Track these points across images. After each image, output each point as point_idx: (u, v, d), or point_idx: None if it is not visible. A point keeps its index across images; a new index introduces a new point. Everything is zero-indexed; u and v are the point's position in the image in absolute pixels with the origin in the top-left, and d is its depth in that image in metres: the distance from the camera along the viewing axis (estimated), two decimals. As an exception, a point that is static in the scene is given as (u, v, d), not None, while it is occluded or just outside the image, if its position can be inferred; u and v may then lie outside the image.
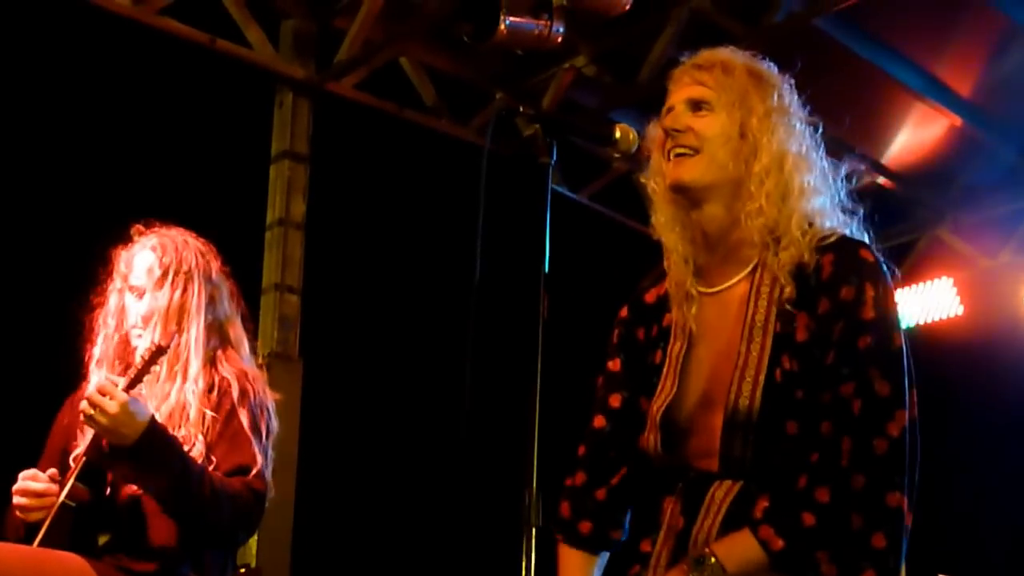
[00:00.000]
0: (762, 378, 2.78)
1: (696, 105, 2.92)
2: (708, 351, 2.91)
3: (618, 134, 2.89)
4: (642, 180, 3.07)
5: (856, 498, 2.66)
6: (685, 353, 2.94)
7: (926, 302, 9.06)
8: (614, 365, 3.12)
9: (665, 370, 2.96)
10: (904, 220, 9.01)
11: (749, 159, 2.88)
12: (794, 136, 2.93)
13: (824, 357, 2.76)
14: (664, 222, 3.01)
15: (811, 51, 6.72)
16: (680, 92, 2.96)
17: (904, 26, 7.31)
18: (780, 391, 2.76)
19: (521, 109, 2.98)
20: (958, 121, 8.02)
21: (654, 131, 3.02)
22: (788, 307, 2.82)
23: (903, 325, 2.84)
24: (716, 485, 2.82)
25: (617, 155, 2.95)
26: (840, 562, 2.65)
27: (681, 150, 2.91)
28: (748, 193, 2.87)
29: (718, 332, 2.91)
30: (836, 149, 3.05)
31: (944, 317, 9.01)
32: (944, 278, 9.11)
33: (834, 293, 2.79)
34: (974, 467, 8.45)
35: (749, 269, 2.91)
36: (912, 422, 2.75)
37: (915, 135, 8.36)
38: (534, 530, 2.54)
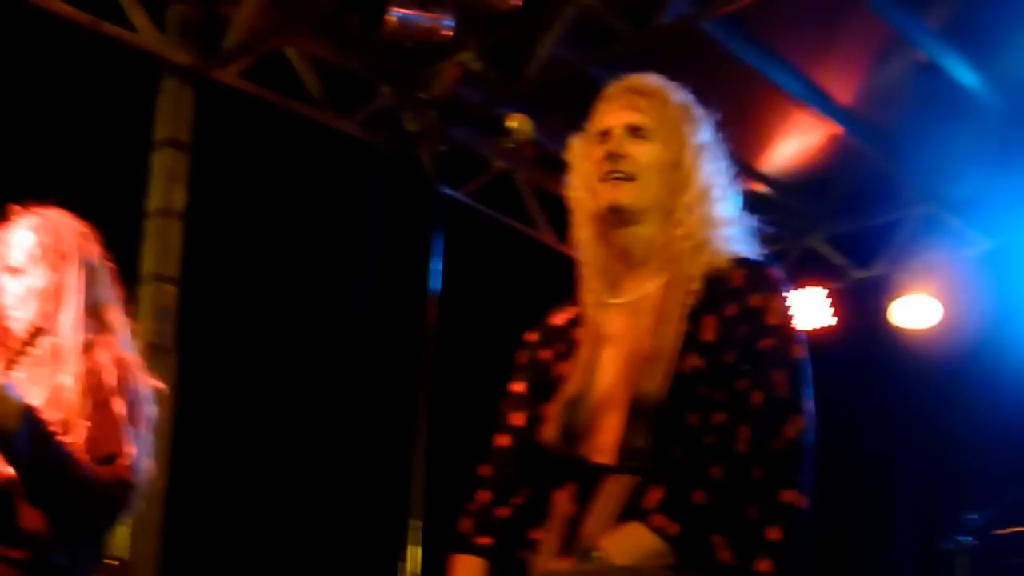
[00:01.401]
0: (670, 370, 2.88)
1: (634, 131, 3.08)
2: (618, 355, 3.01)
3: (516, 123, 2.97)
4: (567, 193, 3.20)
5: (752, 489, 2.74)
6: (594, 358, 3.05)
7: (798, 311, 8.94)
8: (519, 387, 3.21)
9: (573, 373, 3.06)
10: (778, 228, 8.95)
11: (679, 188, 3.06)
12: (718, 170, 3.12)
13: (726, 356, 2.88)
14: (586, 237, 3.16)
15: (694, 53, 6.86)
16: (618, 116, 3.11)
17: (788, 32, 7.37)
18: (685, 384, 2.86)
19: (422, 96, 3.02)
20: (838, 129, 8.10)
21: (580, 146, 3.17)
22: (697, 305, 2.95)
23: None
24: (612, 478, 2.88)
25: (512, 144, 3.00)
26: (737, 549, 2.71)
27: (620, 174, 3.04)
28: (676, 220, 3.05)
29: (629, 337, 3.02)
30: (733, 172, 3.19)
31: (815, 327, 9.01)
32: (816, 288, 9.14)
33: (742, 300, 2.94)
34: (837, 481, 8.56)
35: (663, 281, 3.04)
36: (810, 431, 2.82)
37: (794, 142, 8.45)
38: (420, 522, 2.60)
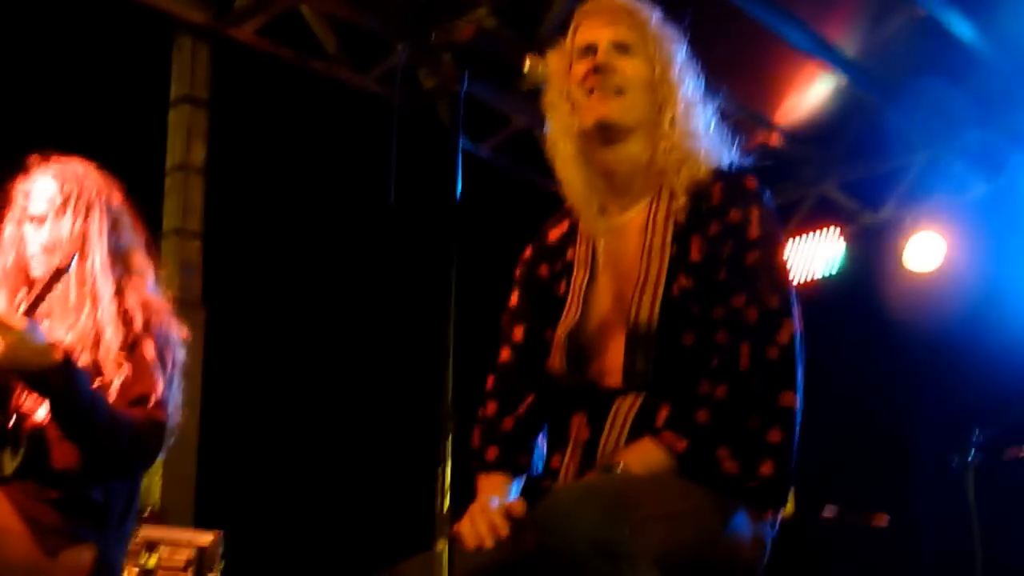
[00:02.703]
0: (660, 293, 2.89)
1: (621, 47, 3.02)
2: (610, 278, 3.02)
3: (528, 65, 2.86)
4: (546, 115, 3.13)
5: (753, 399, 2.78)
6: (588, 282, 3.05)
7: (815, 255, 9.33)
8: (514, 300, 3.21)
9: (569, 299, 3.06)
10: (793, 177, 9.27)
11: (663, 105, 3.02)
12: (696, 87, 3.09)
13: (716, 275, 2.89)
14: (569, 156, 3.09)
15: (702, 9, 6.80)
16: (602, 31, 3.04)
17: (794, -13, 7.40)
18: (677, 305, 2.88)
19: (433, 36, 2.95)
20: (844, 80, 8.13)
21: (557, 61, 3.09)
22: (682, 225, 2.95)
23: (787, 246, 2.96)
24: (620, 399, 2.90)
25: (528, 86, 2.92)
26: (741, 457, 2.75)
27: (608, 88, 2.99)
28: (661, 134, 3.01)
29: (618, 260, 3.02)
30: (728, 107, 3.18)
31: (832, 270, 9.31)
32: (831, 231, 9.38)
33: (723, 216, 2.94)
34: (857, 410, 8.69)
35: (647, 201, 3.03)
36: (799, 333, 2.87)
37: (803, 94, 8.51)
38: (450, 438, 2.51)
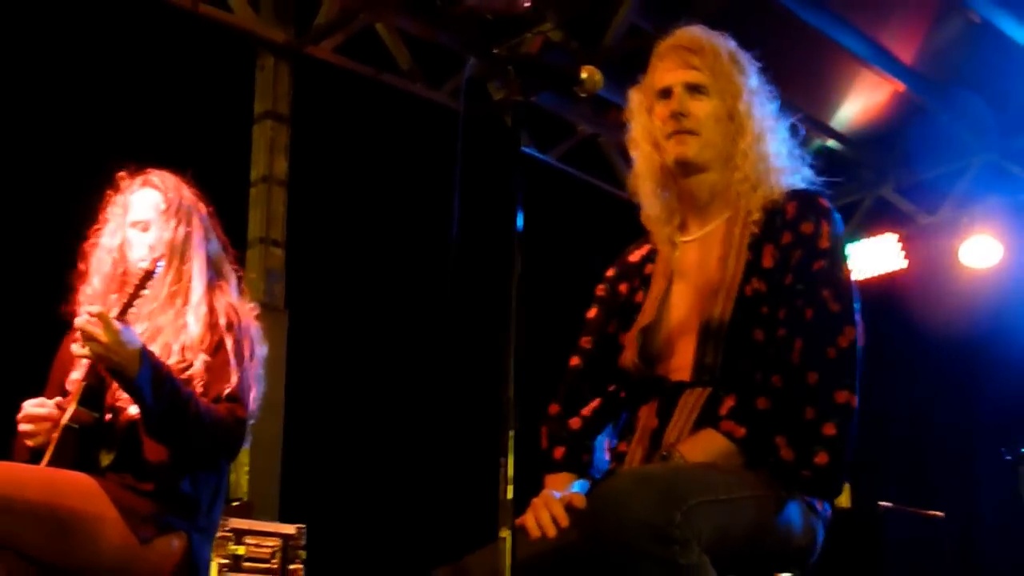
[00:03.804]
0: (734, 294, 3.00)
1: (693, 88, 3.15)
2: (687, 286, 3.15)
3: (584, 75, 2.92)
4: (630, 149, 3.29)
5: (809, 392, 2.85)
6: (666, 290, 3.18)
7: (872, 256, 9.34)
8: (591, 313, 3.33)
9: (646, 304, 3.19)
10: (851, 180, 9.28)
11: (736, 136, 3.15)
12: (768, 113, 3.19)
13: (784, 280, 3.00)
14: (651, 188, 3.25)
15: (761, 16, 6.84)
16: (675, 74, 3.17)
17: (851, -4, 7.39)
18: (749, 305, 2.99)
19: (495, 51, 3.01)
20: (901, 87, 8.13)
21: (638, 99, 3.25)
22: (757, 236, 3.06)
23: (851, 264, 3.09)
24: (688, 392, 3.00)
25: (584, 94, 2.99)
26: (796, 446, 2.82)
27: (685, 131, 3.14)
28: (735, 165, 3.15)
29: (698, 270, 3.15)
30: (785, 112, 3.25)
31: (889, 270, 9.32)
32: (888, 234, 9.41)
33: (795, 228, 3.05)
34: (914, 406, 8.66)
35: (727, 216, 3.16)
36: (859, 345, 2.94)
37: (860, 100, 8.52)
38: (512, 432, 2.55)
